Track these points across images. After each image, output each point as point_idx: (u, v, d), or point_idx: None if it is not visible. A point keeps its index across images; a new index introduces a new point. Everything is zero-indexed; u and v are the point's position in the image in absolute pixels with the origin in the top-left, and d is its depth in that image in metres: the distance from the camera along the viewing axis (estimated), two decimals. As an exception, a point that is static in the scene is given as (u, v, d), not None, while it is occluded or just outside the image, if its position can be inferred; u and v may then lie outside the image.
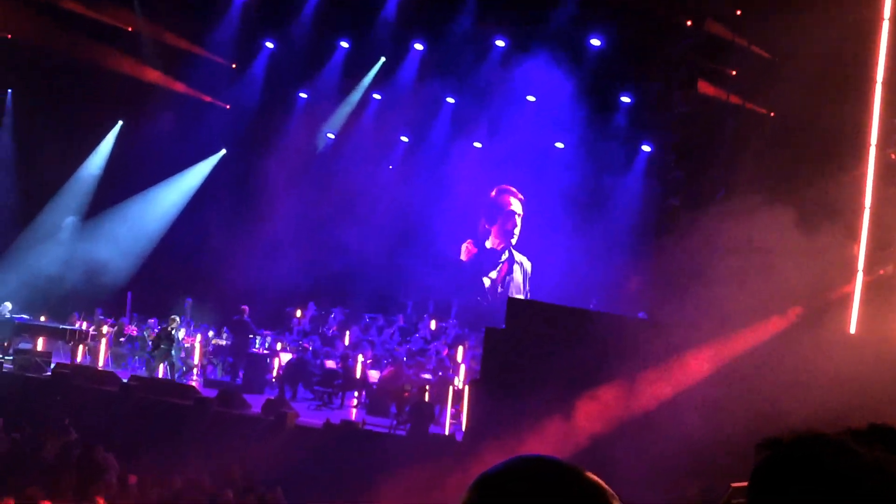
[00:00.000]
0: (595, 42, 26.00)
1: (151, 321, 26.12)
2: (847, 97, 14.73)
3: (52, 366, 22.48)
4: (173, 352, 23.58)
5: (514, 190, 29.26)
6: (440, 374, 22.40)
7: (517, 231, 29.27)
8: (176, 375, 23.37)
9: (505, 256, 29.32)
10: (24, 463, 13.98)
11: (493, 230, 29.43)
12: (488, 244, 29.55)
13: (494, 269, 29.35)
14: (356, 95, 30.13)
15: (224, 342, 25.96)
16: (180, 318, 24.49)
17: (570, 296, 25.11)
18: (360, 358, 23.58)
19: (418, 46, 28.76)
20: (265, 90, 30.29)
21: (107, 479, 13.40)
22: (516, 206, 29.23)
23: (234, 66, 30.40)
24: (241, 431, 18.98)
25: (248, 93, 30.24)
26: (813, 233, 13.69)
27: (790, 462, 2.00)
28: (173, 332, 23.52)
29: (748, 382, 13.28)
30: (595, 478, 1.80)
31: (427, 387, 21.05)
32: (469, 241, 29.78)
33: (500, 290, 28.93)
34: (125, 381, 21.58)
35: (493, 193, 29.47)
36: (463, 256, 29.73)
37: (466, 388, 20.06)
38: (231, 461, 16.14)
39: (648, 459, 13.27)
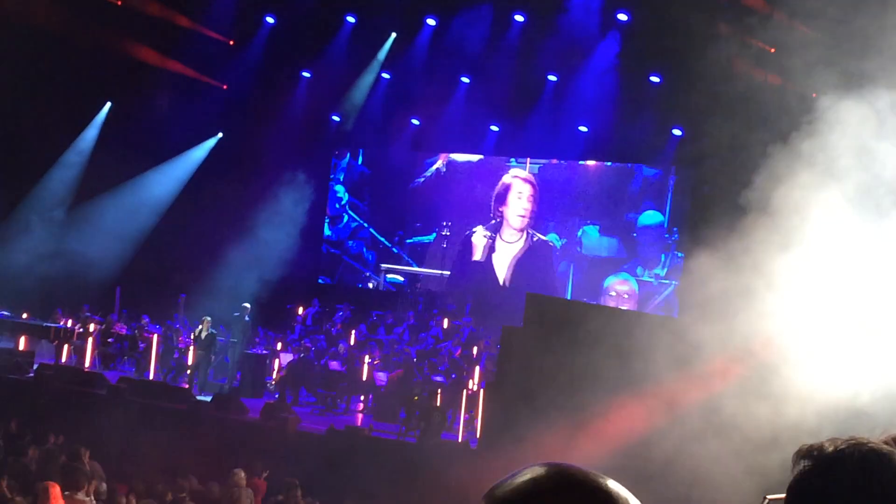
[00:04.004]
0: (622, 17, 25.92)
1: (144, 319, 26.13)
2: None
3: (35, 366, 22.53)
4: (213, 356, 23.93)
5: (524, 171, 29.30)
6: (453, 376, 22.38)
7: (528, 211, 29.32)
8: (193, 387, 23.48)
9: (520, 237, 29.34)
10: (4, 470, 14.00)
11: (505, 213, 29.42)
12: (503, 231, 29.50)
13: (511, 254, 29.35)
14: (365, 74, 30.09)
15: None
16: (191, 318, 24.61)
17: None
18: (367, 359, 23.57)
19: (431, 22, 28.71)
20: (265, 69, 30.22)
21: (93, 488, 13.42)
22: (527, 188, 29.22)
23: (231, 42, 30.38)
24: (238, 437, 19.01)
25: (247, 72, 30.18)
26: (859, 223, 13.59)
27: (833, 474, 1.98)
28: (198, 333, 23.65)
29: (784, 384, 13.21)
30: (621, 488, 1.79)
31: (439, 390, 21.05)
32: (477, 234, 29.73)
33: (513, 275, 29.10)
34: (114, 383, 21.63)
35: (504, 176, 29.51)
36: (477, 256, 29.65)
37: (481, 391, 20.06)
38: (229, 469, 16.16)
39: (686, 469, 13.23)
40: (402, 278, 30.65)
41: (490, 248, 29.46)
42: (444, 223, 29.95)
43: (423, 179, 30.58)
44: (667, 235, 26.97)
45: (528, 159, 29.14)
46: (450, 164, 30.32)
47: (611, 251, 27.86)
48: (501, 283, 28.88)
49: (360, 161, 31.72)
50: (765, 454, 11.11)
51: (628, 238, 27.63)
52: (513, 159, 29.40)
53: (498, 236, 29.34)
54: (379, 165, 31.44)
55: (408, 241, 30.57)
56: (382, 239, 30.85)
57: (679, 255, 26.59)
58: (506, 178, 29.32)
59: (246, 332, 24.89)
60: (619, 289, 27.51)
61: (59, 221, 29.60)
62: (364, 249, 31.15)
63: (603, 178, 28.45)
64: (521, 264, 28.95)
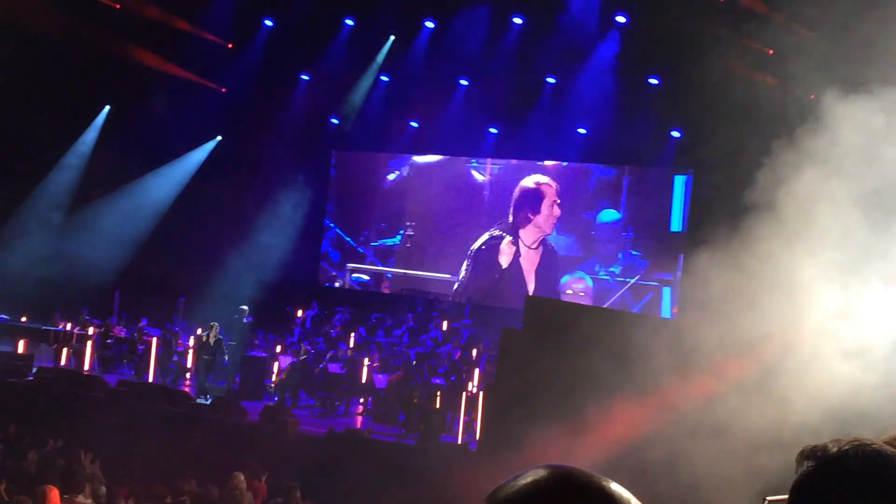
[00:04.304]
0: (620, 19, 25.93)
1: (143, 322, 26.08)
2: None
3: (34, 370, 22.51)
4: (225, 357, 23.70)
5: (551, 179, 29.21)
6: (452, 378, 22.36)
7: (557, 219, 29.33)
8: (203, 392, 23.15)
9: (541, 244, 29.32)
10: (3, 474, 13.99)
11: (536, 219, 29.33)
12: (526, 235, 29.47)
13: (535, 261, 29.39)
14: (364, 77, 30.09)
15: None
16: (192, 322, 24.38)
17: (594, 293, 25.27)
18: (366, 361, 23.56)
19: (429, 24, 28.71)
20: (264, 72, 30.21)
21: (93, 491, 13.42)
22: (556, 196, 29.20)
23: (230, 45, 30.37)
24: (238, 440, 18.99)
25: (246, 75, 30.17)
26: (855, 224, 13.59)
27: (836, 476, 1.97)
28: (207, 339, 23.37)
29: (782, 386, 13.21)
30: (623, 490, 1.77)
31: (438, 392, 21.03)
32: (506, 240, 29.59)
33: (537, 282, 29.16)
34: (113, 386, 21.62)
35: (535, 184, 29.30)
36: (505, 262, 29.53)
37: (481, 393, 20.05)
38: (228, 472, 16.15)
39: (686, 471, 13.22)
40: (367, 277, 30.85)
41: (516, 255, 29.41)
42: (408, 223, 30.16)
43: (389, 180, 30.83)
44: (623, 233, 27.22)
45: (489, 160, 29.39)
46: (412, 165, 30.49)
47: (568, 249, 28.14)
48: (531, 291, 28.62)
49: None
50: (766, 456, 11.10)
51: (585, 236, 27.97)
52: (473, 160, 29.64)
53: (521, 242, 29.27)
54: (345, 166, 31.65)
55: (373, 243, 30.80)
56: (348, 239, 31.03)
57: (634, 253, 26.88)
58: (526, 182, 29.20)
59: (244, 334, 24.87)
60: (575, 287, 27.80)
61: (58, 224, 29.60)
62: (330, 248, 31.35)
63: (560, 178, 28.60)
64: (541, 271, 29.07)
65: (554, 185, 28.89)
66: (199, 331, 24.17)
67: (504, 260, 29.37)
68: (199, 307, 27.11)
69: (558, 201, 28.80)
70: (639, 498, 1.79)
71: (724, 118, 18.19)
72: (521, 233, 29.18)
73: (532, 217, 29.15)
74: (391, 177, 30.85)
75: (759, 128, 17.03)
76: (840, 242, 12.60)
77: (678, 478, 13.28)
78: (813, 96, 15.88)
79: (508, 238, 29.29)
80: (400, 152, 30.57)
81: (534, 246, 29.11)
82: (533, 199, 29.14)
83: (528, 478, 1.76)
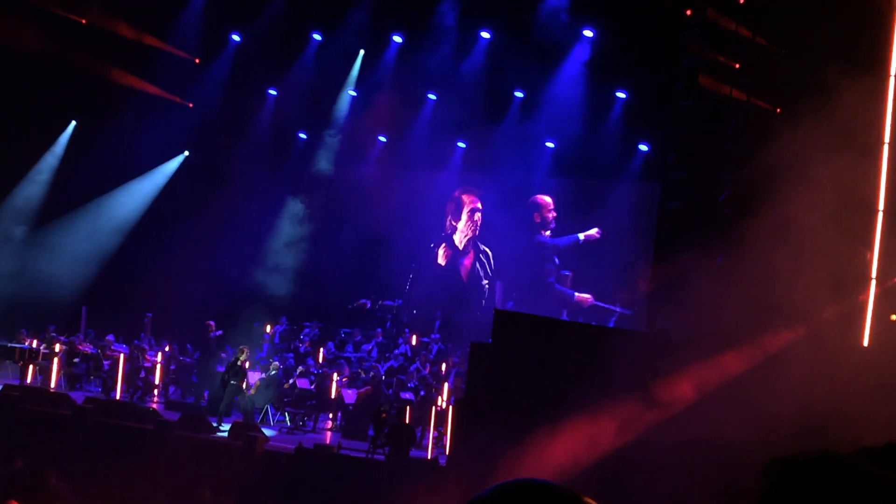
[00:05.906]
0: (588, 33, 25.98)
1: (109, 338, 25.90)
2: (859, 91, 14.76)
3: (0, 388, 22.31)
4: (245, 387, 23.04)
5: (473, 189, 30.33)
6: (422, 393, 22.33)
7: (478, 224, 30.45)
8: (251, 417, 22.63)
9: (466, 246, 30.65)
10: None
11: (458, 225, 30.57)
12: (456, 239, 30.52)
13: (465, 258, 30.47)
14: (334, 92, 30.06)
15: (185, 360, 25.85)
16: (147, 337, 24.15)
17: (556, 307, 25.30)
18: (335, 376, 23.48)
19: (397, 39, 28.70)
20: (231, 87, 30.09)
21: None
22: (477, 203, 30.29)
23: (197, 60, 30.22)
24: (206, 457, 18.87)
25: (213, 90, 30.03)
26: (824, 238, 13.69)
27: (802, 486, 1.98)
28: (240, 363, 22.79)
29: (752, 398, 13.26)
30: (593, 502, 1.77)
31: (408, 407, 20.99)
32: (444, 244, 30.57)
33: (467, 278, 30.42)
34: (80, 403, 21.44)
35: (457, 193, 30.55)
36: (441, 261, 30.63)
37: (450, 408, 20.03)
38: (196, 489, 16.06)
39: (653, 484, 13.23)
40: None
41: (451, 258, 30.63)
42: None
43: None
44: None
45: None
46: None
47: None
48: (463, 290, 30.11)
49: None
50: (734, 468, 11.12)
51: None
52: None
53: (455, 246, 30.73)
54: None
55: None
56: None
57: None
58: (462, 195, 30.56)
59: (211, 349, 24.71)
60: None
61: (23, 240, 29.34)
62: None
63: (578, 194, 29.01)
64: (472, 274, 30.20)
65: (474, 194, 30.14)
66: (239, 357, 23.16)
67: (441, 261, 30.84)
68: (166, 323, 26.94)
69: (479, 208, 29.99)
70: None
71: (692, 130, 18.28)
72: (454, 237, 30.53)
73: (455, 223, 30.44)
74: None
75: (726, 140, 17.17)
76: (814, 250, 12.70)
77: (649, 490, 13.31)
78: (779, 110, 16.03)
79: (444, 244, 30.67)
80: (369, 166, 30.53)
81: (465, 250, 30.27)
82: (455, 207, 30.50)
83: (500, 491, 1.76)
